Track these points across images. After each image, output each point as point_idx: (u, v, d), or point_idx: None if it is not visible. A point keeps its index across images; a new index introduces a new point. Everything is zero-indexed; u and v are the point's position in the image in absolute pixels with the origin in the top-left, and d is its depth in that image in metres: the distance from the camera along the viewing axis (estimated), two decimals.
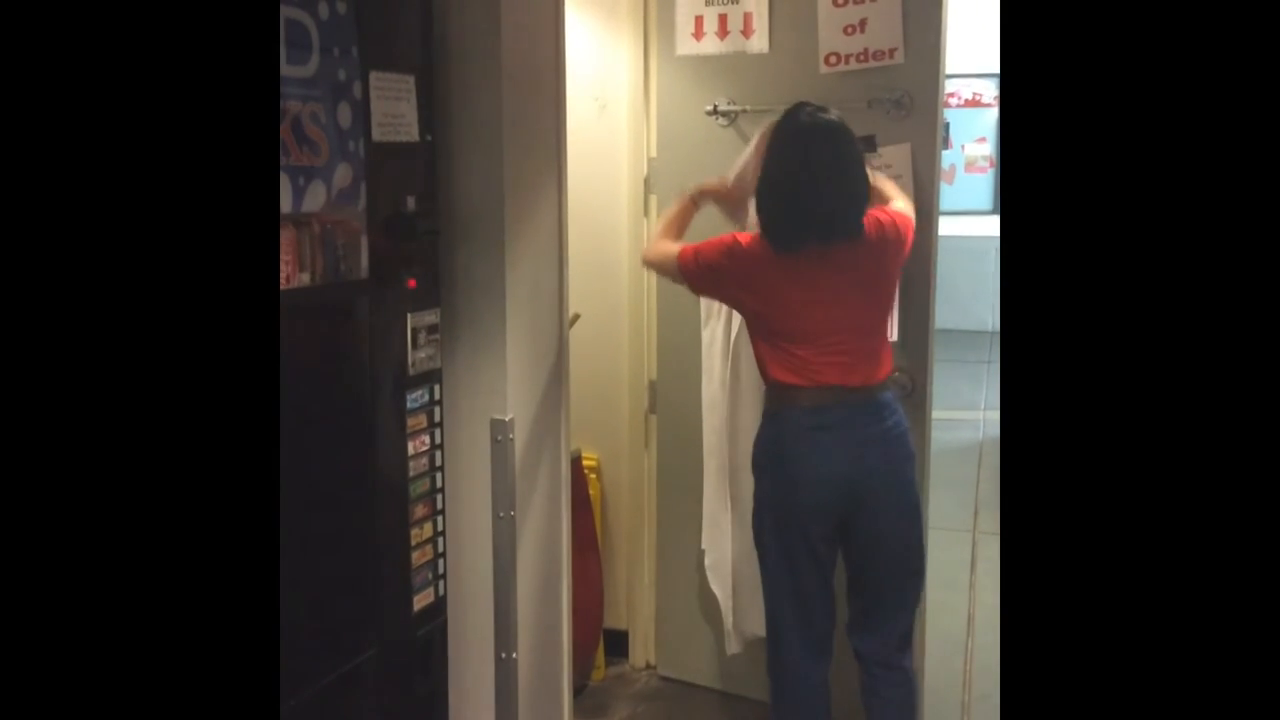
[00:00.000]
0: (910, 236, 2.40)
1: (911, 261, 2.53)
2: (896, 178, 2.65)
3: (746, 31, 2.82)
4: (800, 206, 2.27)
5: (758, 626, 2.85)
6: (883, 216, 2.36)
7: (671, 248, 2.45)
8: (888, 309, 2.43)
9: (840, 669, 2.54)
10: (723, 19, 2.85)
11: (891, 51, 2.65)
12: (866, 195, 2.33)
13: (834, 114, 2.33)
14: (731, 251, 2.36)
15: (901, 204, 2.46)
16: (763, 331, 2.40)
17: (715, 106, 2.87)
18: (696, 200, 2.56)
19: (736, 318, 2.81)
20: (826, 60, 2.71)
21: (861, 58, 2.68)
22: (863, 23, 2.66)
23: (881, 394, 2.36)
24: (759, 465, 2.44)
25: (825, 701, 2.49)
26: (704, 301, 2.89)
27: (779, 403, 2.39)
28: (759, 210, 2.34)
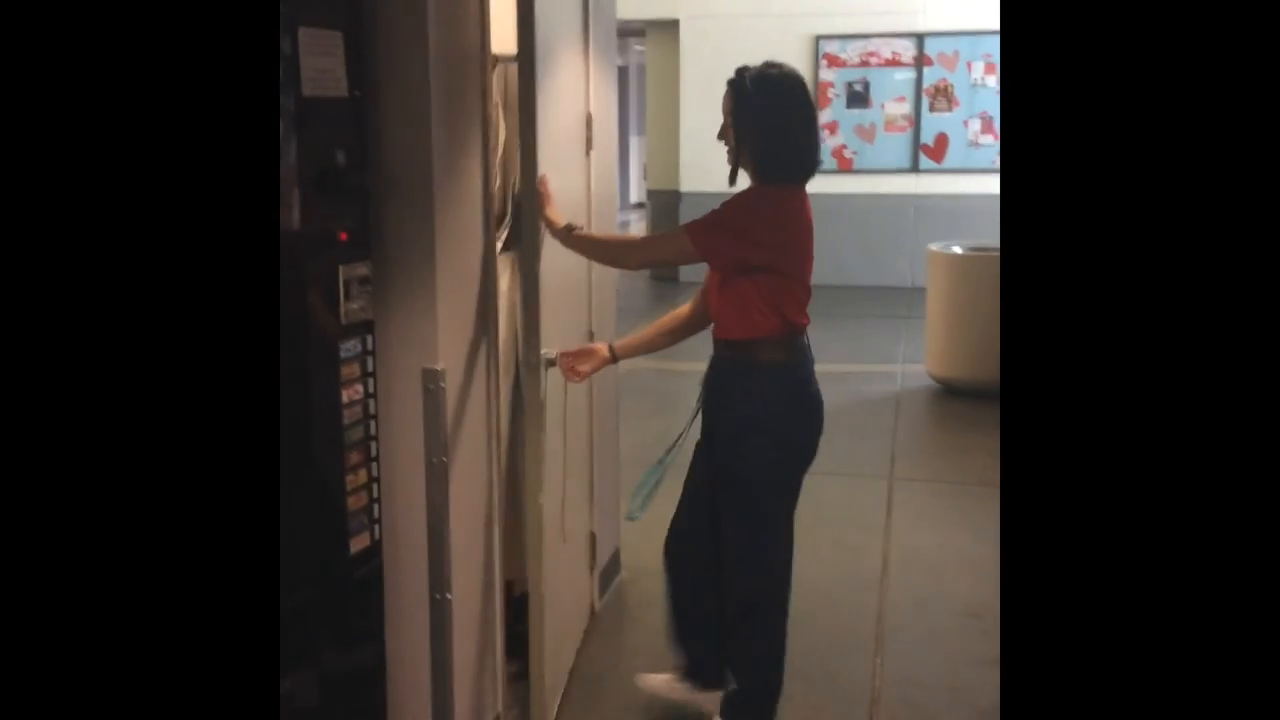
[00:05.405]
0: None
1: None
2: None
3: None
4: (799, 143, 2.44)
5: None
6: None
7: (672, 236, 2.53)
8: None
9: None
10: None
11: None
12: None
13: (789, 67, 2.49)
14: (753, 206, 2.41)
15: None
16: (776, 280, 2.40)
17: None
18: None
19: None
20: None
21: None
22: None
23: None
24: (769, 421, 2.44)
25: None
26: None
27: (787, 350, 2.44)
28: (761, 155, 2.41)
